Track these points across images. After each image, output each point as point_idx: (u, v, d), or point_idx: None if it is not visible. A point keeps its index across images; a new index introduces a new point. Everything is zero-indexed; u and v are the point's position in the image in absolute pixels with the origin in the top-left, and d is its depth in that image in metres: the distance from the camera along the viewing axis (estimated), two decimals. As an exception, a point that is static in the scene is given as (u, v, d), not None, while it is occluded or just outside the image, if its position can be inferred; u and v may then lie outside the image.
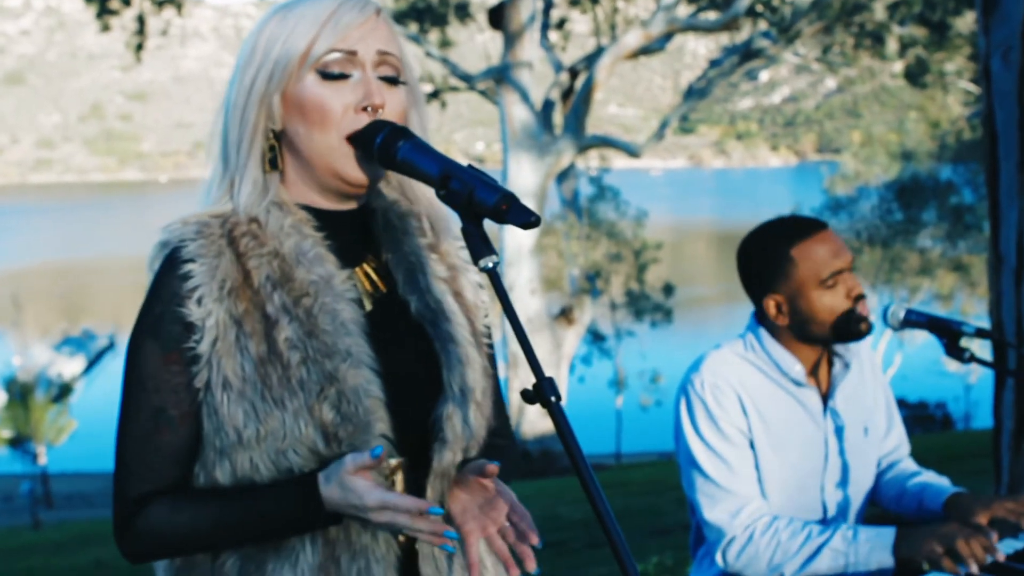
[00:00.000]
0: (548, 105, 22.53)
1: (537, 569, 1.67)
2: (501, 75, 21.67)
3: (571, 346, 24.11)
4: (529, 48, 21.83)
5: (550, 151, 21.49)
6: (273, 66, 1.60)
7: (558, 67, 23.45)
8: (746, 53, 22.01)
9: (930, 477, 2.75)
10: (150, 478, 1.59)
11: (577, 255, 25.82)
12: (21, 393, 31.21)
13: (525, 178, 21.46)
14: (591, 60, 22.50)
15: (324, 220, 1.65)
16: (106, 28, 20.31)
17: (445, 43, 23.55)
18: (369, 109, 1.59)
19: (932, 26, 21.01)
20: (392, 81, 1.63)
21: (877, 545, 2.44)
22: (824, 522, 2.67)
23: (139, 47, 20.59)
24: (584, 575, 7.55)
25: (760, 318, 2.69)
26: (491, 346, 1.78)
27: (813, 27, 20.99)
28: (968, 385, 30.53)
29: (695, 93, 23.69)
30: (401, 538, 1.64)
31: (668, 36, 21.34)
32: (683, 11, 21.62)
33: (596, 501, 1.33)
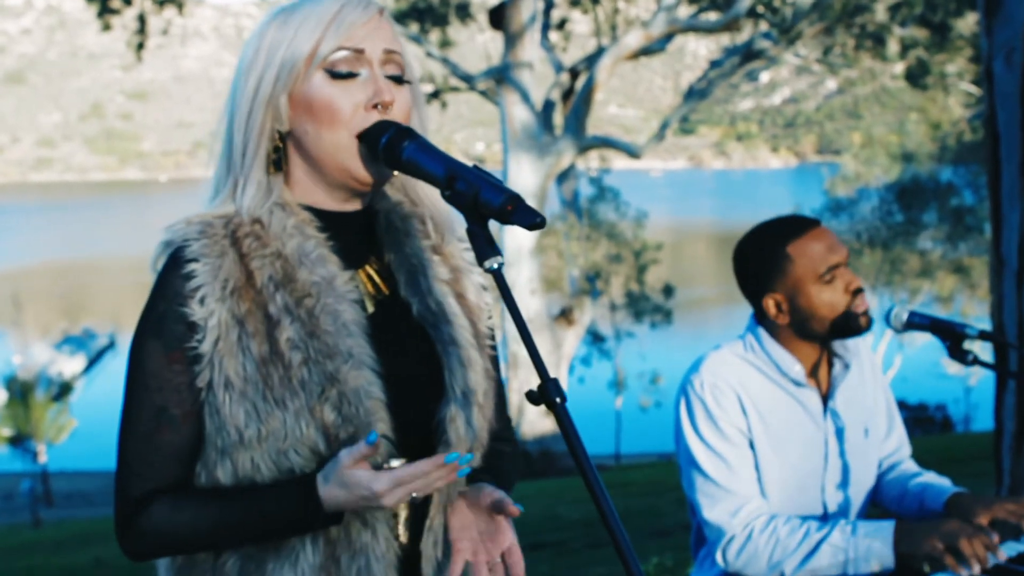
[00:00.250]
0: (548, 105, 22.52)
1: None
2: (501, 75, 21.67)
3: (571, 347, 24.10)
4: (530, 48, 21.83)
5: (550, 152, 21.48)
6: (279, 67, 1.60)
7: (558, 67, 23.45)
8: (747, 54, 22.00)
9: (931, 478, 2.75)
10: (152, 477, 1.59)
11: (577, 256, 25.82)
12: (21, 392, 31.22)
13: (525, 179, 21.45)
14: (592, 60, 22.50)
15: (327, 221, 1.65)
16: (107, 27, 20.30)
17: (445, 43, 23.54)
18: (379, 107, 1.59)
19: (933, 28, 21.00)
20: (398, 80, 1.63)
21: (876, 539, 2.44)
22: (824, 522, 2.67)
23: (140, 46, 20.58)
24: (584, 575, 7.55)
25: (759, 319, 2.70)
26: (494, 348, 1.78)
27: (814, 28, 20.99)
28: (968, 387, 30.53)
29: (695, 94, 23.69)
30: (403, 539, 1.64)
31: (669, 37, 21.33)
32: (684, 12, 21.62)
33: (601, 502, 1.33)
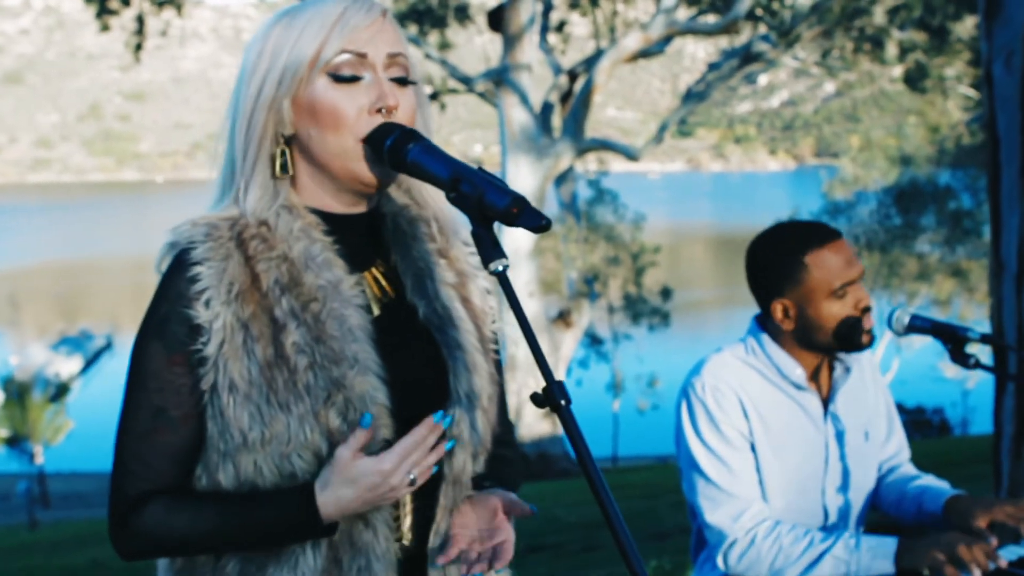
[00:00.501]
0: (547, 108, 22.51)
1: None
2: (500, 77, 21.65)
3: (569, 349, 24.08)
4: (528, 50, 21.81)
5: (548, 154, 21.47)
6: (282, 71, 1.59)
7: (557, 70, 23.44)
8: (745, 57, 22.00)
9: (930, 480, 2.76)
10: (148, 477, 1.59)
11: (575, 258, 25.84)
12: (18, 393, 31.20)
13: (523, 181, 21.43)
14: (590, 63, 22.49)
15: (334, 224, 1.65)
16: (105, 28, 20.26)
17: (444, 45, 23.53)
18: (383, 111, 1.59)
19: (932, 31, 21.01)
20: (402, 82, 1.63)
21: (879, 554, 2.44)
22: (825, 526, 2.68)
23: (138, 47, 20.55)
24: (582, 578, 7.54)
25: (762, 322, 2.69)
26: (498, 352, 1.77)
27: (813, 31, 21.00)
28: (966, 391, 30.56)
29: (694, 96, 23.69)
30: (406, 541, 1.64)
31: (667, 39, 21.32)
32: (682, 14, 21.61)
33: (606, 504, 1.32)
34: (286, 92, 1.60)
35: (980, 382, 27.73)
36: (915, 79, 22.54)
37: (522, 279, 22.03)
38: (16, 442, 31.02)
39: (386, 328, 1.64)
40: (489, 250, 1.41)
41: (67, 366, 34.64)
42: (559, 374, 23.49)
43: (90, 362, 35.55)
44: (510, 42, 21.77)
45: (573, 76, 23.01)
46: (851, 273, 2.57)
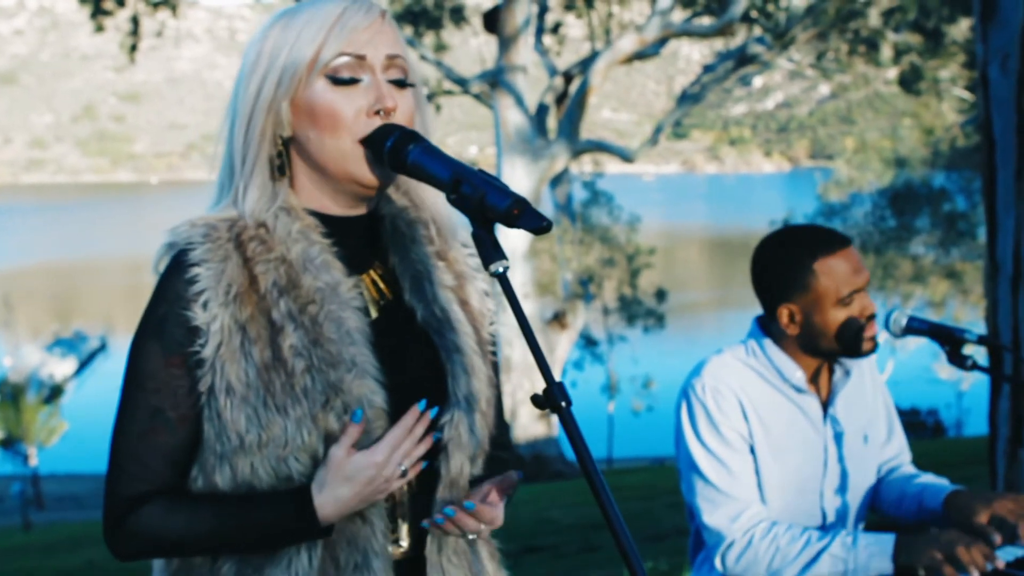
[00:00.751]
0: (542, 109, 22.53)
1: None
2: (495, 79, 21.65)
3: (564, 351, 24.08)
4: (524, 52, 21.81)
5: (544, 155, 21.47)
6: (281, 73, 1.59)
7: (552, 71, 23.46)
8: (740, 59, 22.04)
9: (930, 478, 2.76)
10: (143, 477, 1.59)
11: (570, 260, 25.83)
12: (12, 394, 31.10)
13: (519, 182, 21.42)
14: (585, 64, 22.50)
15: (332, 226, 1.64)
16: (100, 29, 20.23)
17: (440, 47, 23.55)
18: (382, 113, 1.58)
19: (927, 33, 21.06)
20: (401, 84, 1.63)
21: (876, 552, 2.44)
22: (823, 528, 2.68)
23: (133, 48, 20.52)
24: (578, 580, 7.54)
25: (764, 324, 2.69)
26: (495, 354, 1.77)
27: (807, 33, 21.03)
28: (960, 392, 30.60)
29: (689, 98, 23.73)
30: (405, 544, 1.64)
31: (663, 41, 21.34)
32: (678, 16, 21.63)
33: (606, 506, 1.32)
34: (285, 94, 1.59)
35: (975, 384, 27.79)
36: (910, 81, 22.59)
37: (517, 281, 22.03)
38: (10, 444, 30.92)
39: (384, 331, 1.64)
40: (490, 251, 1.41)
41: (61, 368, 34.53)
42: (555, 376, 23.48)
43: (84, 364, 35.43)
44: (505, 44, 21.76)
45: (568, 78, 23.03)
46: (858, 281, 2.57)
